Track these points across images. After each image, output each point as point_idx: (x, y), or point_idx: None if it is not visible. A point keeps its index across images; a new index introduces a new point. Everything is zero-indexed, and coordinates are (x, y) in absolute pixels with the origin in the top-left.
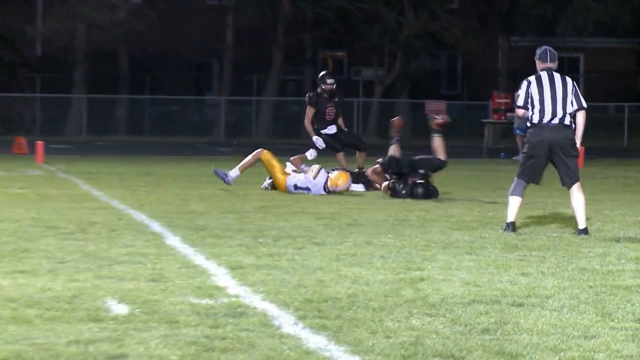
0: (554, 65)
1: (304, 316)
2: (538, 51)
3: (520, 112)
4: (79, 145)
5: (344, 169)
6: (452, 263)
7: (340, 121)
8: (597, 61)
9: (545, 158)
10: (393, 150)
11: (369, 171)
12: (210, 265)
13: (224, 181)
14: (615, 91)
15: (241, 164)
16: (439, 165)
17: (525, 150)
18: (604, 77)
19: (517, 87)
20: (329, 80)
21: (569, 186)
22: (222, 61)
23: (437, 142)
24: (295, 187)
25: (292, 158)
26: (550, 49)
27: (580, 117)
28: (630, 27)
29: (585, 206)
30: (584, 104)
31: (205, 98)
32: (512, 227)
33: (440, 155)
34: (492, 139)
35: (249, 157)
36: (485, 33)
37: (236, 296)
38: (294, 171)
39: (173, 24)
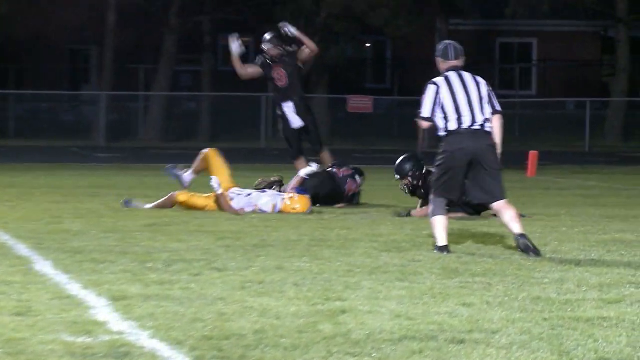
0: (459, 63)
1: (202, 356)
2: (439, 47)
3: (424, 124)
4: None
5: (303, 193)
6: (379, 292)
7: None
8: (553, 48)
9: (465, 169)
10: None
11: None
12: (88, 296)
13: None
14: (575, 84)
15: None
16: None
17: (440, 162)
18: (562, 67)
19: None
20: (267, 46)
21: (491, 202)
22: (103, 48)
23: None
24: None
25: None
26: (455, 44)
27: (497, 121)
28: (593, 8)
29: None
30: (499, 107)
31: (82, 93)
32: (446, 250)
33: None
34: (428, 142)
35: (162, 199)
36: (420, 14)
37: (119, 333)
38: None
39: (43, 5)
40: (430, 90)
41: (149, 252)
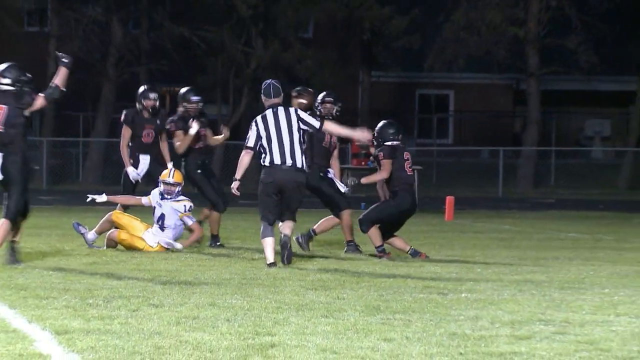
0: (279, 100)
1: None
2: (263, 86)
3: (247, 155)
4: None
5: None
6: (306, 327)
7: (164, 150)
8: (468, 99)
9: (278, 197)
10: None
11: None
12: (33, 330)
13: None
14: (489, 134)
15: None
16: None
17: (259, 191)
18: (477, 117)
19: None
20: (152, 95)
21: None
22: None
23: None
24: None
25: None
26: (274, 82)
27: (329, 126)
28: (505, 62)
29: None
30: (316, 123)
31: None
32: (274, 266)
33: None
34: (352, 188)
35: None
36: (344, 67)
37: None
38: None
39: None
40: (253, 125)
41: (90, 289)
